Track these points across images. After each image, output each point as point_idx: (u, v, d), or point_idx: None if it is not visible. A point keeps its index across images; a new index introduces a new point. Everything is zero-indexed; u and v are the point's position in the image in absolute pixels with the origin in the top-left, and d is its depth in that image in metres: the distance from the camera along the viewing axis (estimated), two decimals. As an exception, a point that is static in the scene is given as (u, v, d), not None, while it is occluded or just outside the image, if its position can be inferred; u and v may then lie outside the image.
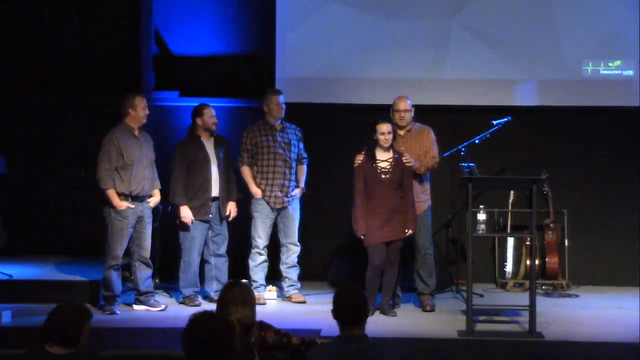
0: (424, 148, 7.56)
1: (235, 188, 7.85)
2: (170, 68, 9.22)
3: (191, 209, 7.62)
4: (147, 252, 7.46)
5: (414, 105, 7.65)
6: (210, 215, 7.67)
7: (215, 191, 7.68)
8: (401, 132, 7.61)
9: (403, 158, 7.30)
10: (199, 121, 7.68)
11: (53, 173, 9.21)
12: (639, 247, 8.71)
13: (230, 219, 7.79)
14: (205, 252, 7.77)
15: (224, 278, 7.69)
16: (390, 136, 7.25)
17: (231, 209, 7.77)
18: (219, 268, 7.76)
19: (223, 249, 7.79)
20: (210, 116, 7.68)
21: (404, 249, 7.58)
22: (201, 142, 7.69)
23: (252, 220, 7.85)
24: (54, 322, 4.00)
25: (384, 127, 7.22)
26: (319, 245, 8.80)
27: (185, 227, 7.64)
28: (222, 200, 7.71)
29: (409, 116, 7.60)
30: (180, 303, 7.72)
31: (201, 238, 7.69)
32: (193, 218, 7.61)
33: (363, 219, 7.22)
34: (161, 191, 7.61)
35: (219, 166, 7.69)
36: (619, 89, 8.78)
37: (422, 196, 7.57)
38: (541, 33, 8.79)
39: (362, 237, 7.25)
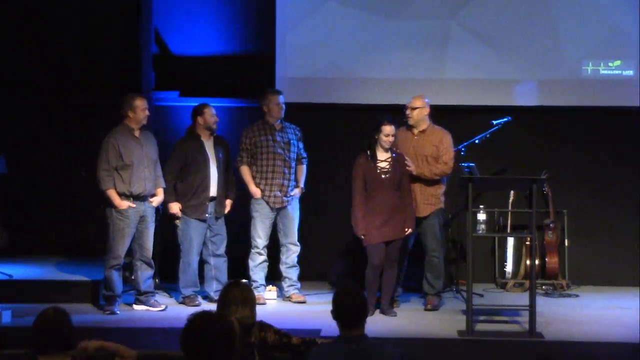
0: (433, 151, 7.52)
1: (234, 188, 7.85)
2: (170, 68, 9.22)
3: (189, 208, 7.62)
4: (149, 252, 7.45)
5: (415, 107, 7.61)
6: (208, 215, 7.66)
7: (213, 191, 7.67)
8: (415, 132, 7.61)
9: (405, 162, 7.31)
10: (200, 120, 7.68)
11: (53, 173, 9.22)
12: (639, 247, 8.72)
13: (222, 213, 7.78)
14: (204, 252, 7.77)
15: (224, 278, 7.70)
16: (394, 138, 7.24)
17: (227, 206, 7.78)
18: (219, 268, 7.76)
19: (222, 249, 7.78)
20: (211, 115, 7.69)
21: (414, 249, 7.60)
22: (201, 142, 7.69)
23: (252, 220, 7.85)
24: (47, 329, 3.93)
25: (388, 129, 7.20)
26: (319, 245, 8.80)
27: (183, 227, 7.64)
28: (219, 200, 7.71)
29: (416, 114, 7.57)
30: (180, 303, 7.72)
31: (199, 238, 7.69)
32: (181, 215, 7.61)
33: (363, 219, 7.23)
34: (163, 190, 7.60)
35: (218, 166, 7.69)
36: (619, 89, 8.79)
37: (431, 199, 7.54)
38: (541, 33, 8.79)
39: (362, 236, 7.25)
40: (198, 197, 7.63)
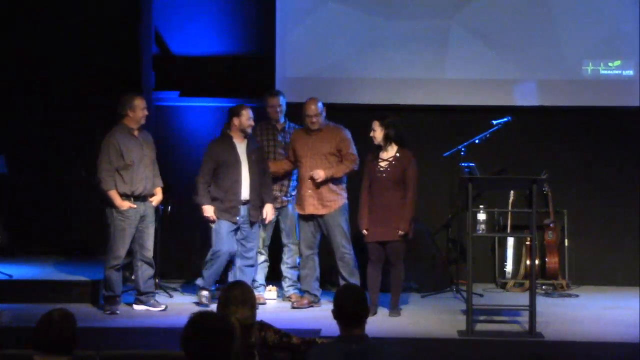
0: (331, 149, 7.48)
1: (271, 191, 7.62)
2: (170, 68, 9.22)
3: (220, 210, 7.41)
4: (149, 252, 7.43)
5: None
6: (239, 218, 7.43)
7: (245, 194, 7.43)
8: (310, 132, 7.57)
9: (312, 174, 7.33)
10: (235, 121, 7.46)
11: (53, 173, 9.21)
12: (639, 247, 8.72)
13: (266, 221, 7.59)
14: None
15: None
16: (375, 134, 7.26)
17: (267, 211, 7.53)
18: (243, 271, 7.48)
19: (252, 253, 7.52)
20: (247, 118, 7.45)
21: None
22: (233, 143, 7.47)
23: (252, 220, 7.84)
24: (48, 330, 3.93)
25: (373, 124, 7.27)
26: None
27: (216, 228, 7.41)
28: (252, 204, 7.46)
29: (321, 120, 7.52)
30: (194, 294, 7.59)
31: (228, 237, 7.41)
32: (216, 218, 7.39)
33: (365, 215, 7.27)
34: (163, 190, 7.56)
35: (250, 169, 7.44)
36: (619, 89, 8.78)
37: (332, 196, 7.50)
38: (541, 33, 8.79)
39: (364, 232, 7.26)
40: (229, 199, 7.39)
